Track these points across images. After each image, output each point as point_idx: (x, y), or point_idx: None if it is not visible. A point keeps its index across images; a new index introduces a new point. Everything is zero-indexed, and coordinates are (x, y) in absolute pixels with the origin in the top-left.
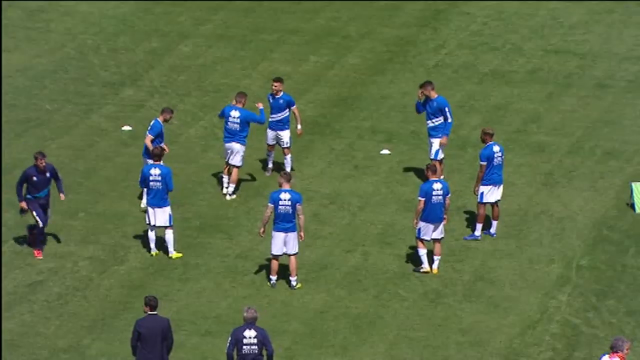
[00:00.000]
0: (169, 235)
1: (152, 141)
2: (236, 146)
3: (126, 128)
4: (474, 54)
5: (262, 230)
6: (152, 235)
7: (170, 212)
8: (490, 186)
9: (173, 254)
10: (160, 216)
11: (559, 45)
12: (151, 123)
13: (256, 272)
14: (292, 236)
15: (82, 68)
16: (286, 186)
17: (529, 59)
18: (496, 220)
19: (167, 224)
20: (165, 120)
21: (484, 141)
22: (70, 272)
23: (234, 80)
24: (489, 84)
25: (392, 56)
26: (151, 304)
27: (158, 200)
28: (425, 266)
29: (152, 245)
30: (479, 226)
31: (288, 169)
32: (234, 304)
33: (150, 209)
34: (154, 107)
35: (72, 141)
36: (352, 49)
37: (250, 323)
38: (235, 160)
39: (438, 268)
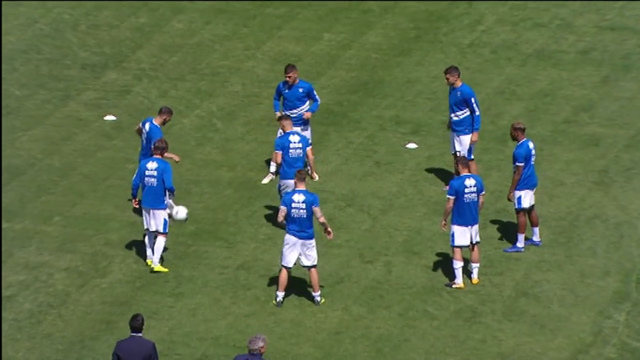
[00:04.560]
0: (159, 244)
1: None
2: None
3: (109, 118)
4: (516, 31)
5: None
6: (147, 240)
7: (167, 218)
8: (528, 190)
9: (156, 265)
10: (153, 220)
11: (615, 21)
12: (146, 129)
13: (261, 286)
14: (310, 244)
15: (58, 47)
16: (301, 186)
17: (581, 37)
18: (537, 225)
19: (161, 231)
20: (163, 123)
21: (515, 138)
22: (44, 285)
23: (235, 62)
24: (534, 67)
25: (420, 34)
26: (133, 324)
27: (152, 200)
28: (459, 282)
29: (148, 252)
30: (521, 236)
31: (313, 171)
32: (235, 323)
33: (144, 210)
34: (142, 94)
35: (46, 133)
36: (373, 25)
37: (254, 354)
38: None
39: (478, 278)
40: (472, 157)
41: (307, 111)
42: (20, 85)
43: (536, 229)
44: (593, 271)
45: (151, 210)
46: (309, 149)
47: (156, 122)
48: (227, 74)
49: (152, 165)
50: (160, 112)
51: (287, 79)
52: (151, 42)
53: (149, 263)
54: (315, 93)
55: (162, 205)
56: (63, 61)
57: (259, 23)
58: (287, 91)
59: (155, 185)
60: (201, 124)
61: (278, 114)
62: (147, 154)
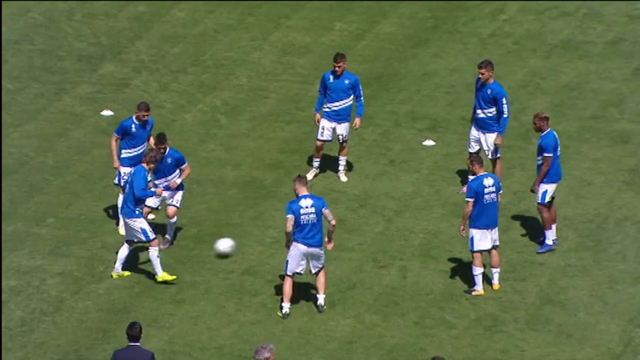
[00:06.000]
0: (152, 253)
1: (117, 141)
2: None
3: (106, 113)
4: (541, 21)
5: (288, 244)
6: (122, 250)
7: (142, 226)
8: (554, 183)
9: (159, 275)
10: (131, 231)
11: None
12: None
13: (267, 293)
14: (320, 253)
15: (52, 38)
16: (303, 191)
17: (610, 27)
18: (555, 222)
19: (144, 239)
20: (139, 120)
21: (539, 129)
22: (37, 291)
23: (240, 54)
24: (559, 58)
25: (438, 23)
26: (130, 333)
27: (125, 209)
28: (479, 289)
29: (117, 263)
30: (549, 233)
31: (343, 171)
32: (240, 331)
33: (121, 218)
34: (141, 87)
35: (39, 129)
36: (387, 14)
37: None
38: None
39: (499, 283)
40: (499, 155)
41: (357, 117)
42: (12, 78)
43: (553, 226)
44: (623, 277)
45: (125, 220)
46: (343, 144)
47: (133, 115)
48: (231, 66)
49: (132, 170)
50: (137, 106)
51: (337, 68)
52: (151, 32)
53: (115, 275)
54: (360, 87)
55: (133, 215)
56: (57, 52)
57: (266, 12)
58: (332, 82)
59: (127, 192)
60: (204, 120)
61: (318, 115)
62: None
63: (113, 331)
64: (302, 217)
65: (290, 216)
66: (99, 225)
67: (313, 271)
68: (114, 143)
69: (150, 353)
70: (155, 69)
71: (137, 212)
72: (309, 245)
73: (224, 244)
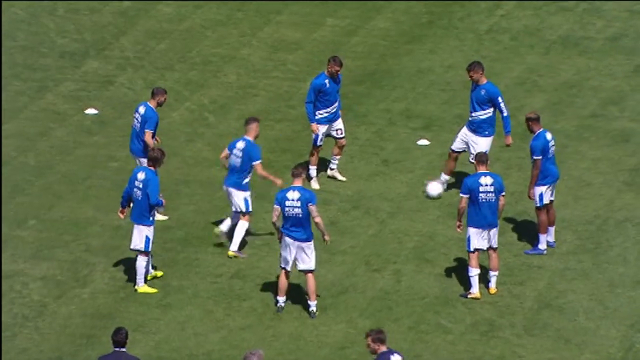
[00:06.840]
0: (141, 263)
1: (154, 137)
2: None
3: (90, 111)
4: (539, 16)
5: (279, 236)
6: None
7: (149, 235)
8: (550, 185)
9: (140, 286)
10: (135, 236)
11: None
12: (141, 112)
13: (257, 297)
14: (307, 247)
15: (34, 34)
16: (297, 183)
17: (610, 23)
18: (554, 225)
19: (142, 249)
20: (159, 105)
21: (531, 130)
22: (19, 296)
23: (228, 50)
24: (558, 55)
25: (433, 19)
26: (115, 338)
27: (135, 215)
28: (475, 291)
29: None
30: (543, 237)
31: (337, 170)
32: (229, 337)
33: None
34: (126, 84)
35: (20, 128)
36: (381, 9)
37: None
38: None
39: (496, 287)
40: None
41: (341, 109)
42: None
43: (552, 229)
44: (623, 280)
45: (135, 225)
46: (342, 141)
47: (151, 104)
48: (220, 63)
49: (141, 175)
50: (153, 93)
51: (339, 71)
52: (136, 28)
53: (149, 277)
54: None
55: (145, 222)
56: (39, 49)
57: (255, 7)
58: (329, 86)
59: (140, 198)
60: (192, 118)
61: (315, 125)
62: (138, 142)
63: (98, 337)
64: (286, 209)
65: (276, 206)
66: (82, 227)
67: (299, 268)
68: (150, 139)
69: (136, 359)
70: (141, 66)
71: (151, 218)
72: (294, 239)
73: (435, 189)
